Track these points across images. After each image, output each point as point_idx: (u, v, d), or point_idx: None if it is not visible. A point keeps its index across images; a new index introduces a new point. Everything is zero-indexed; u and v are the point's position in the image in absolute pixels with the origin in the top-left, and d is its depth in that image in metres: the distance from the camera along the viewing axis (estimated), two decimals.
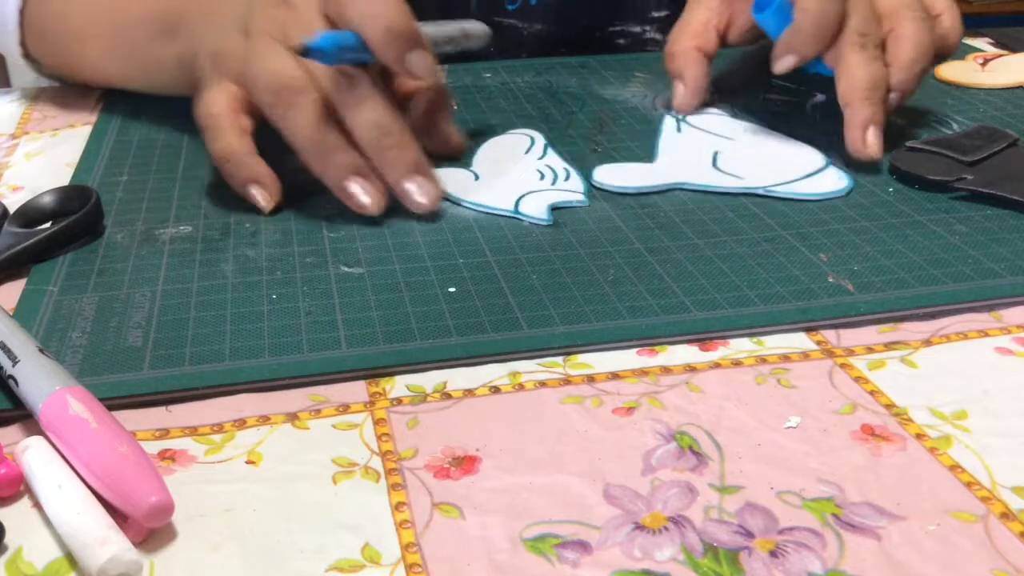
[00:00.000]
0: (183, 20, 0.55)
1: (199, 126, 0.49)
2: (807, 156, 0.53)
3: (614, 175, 0.51)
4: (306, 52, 0.44)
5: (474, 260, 0.44)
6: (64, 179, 0.53)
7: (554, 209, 0.48)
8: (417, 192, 0.47)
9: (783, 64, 0.52)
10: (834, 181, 0.50)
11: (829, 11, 0.50)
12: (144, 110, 0.61)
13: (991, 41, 0.78)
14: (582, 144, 0.57)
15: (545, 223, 0.46)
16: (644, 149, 0.56)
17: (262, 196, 0.48)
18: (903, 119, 0.60)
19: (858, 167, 0.52)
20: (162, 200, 0.50)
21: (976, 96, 0.64)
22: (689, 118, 0.58)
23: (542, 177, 0.51)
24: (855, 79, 0.51)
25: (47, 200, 0.47)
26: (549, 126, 0.60)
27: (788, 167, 0.51)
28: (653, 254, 0.44)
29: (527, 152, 0.55)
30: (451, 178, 0.50)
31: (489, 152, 0.55)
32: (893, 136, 0.57)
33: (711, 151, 0.54)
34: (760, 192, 0.49)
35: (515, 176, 0.51)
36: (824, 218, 0.47)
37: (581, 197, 0.49)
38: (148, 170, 0.54)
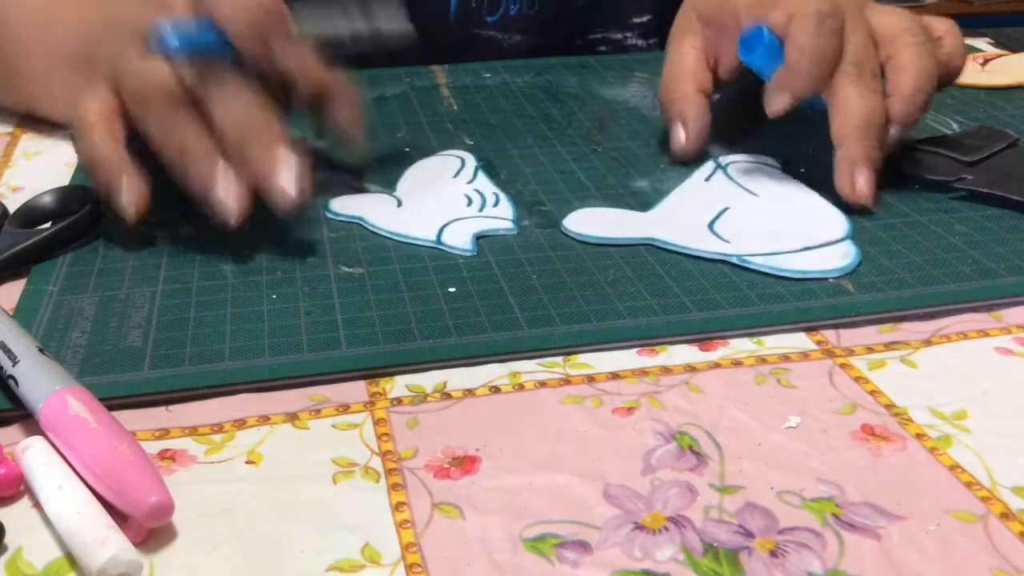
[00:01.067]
0: (94, 43, 0.51)
1: (71, 134, 0.46)
2: (829, 223, 0.46)
3: (585, 222, 0.47)
4: (157, 45, 0.43)
5: (474, 260, 0.44)
6: (64, 179, 0.53)
7: (480, 238, 0.45)
8: (285, 181, 0.43)
9: (777, 104, 0.48)
10: (836, 259, 0.43)
11: (825, 46, 0.47)
12: None
13: (991, 41, 0.78)
14: (582, 144, 0.57)
15: (469, 254, 0.44)
16: (644, 150, 0.56)
17: (126, 198, 0.44)
18: None
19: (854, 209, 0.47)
20: (162, 200, 0.50)
21: (976, 96, 0.65)
22: (731, 167, 0.52)
23: (469, 203, 0.48)
24: (849, 116, 0.47)
25: (47, 200, 0.47)
26: (549, 126, 0.60)
27: (798, 233, 0.45)
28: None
29: (456, 175, 0.52)
30: (372, 204, 0.48)
31: (415, 175, 0.52)
32: None
33: (719, 207, 0.48)
34: (734, 261, 0.43)
35: (440, 202, 0.49)
36: None
37: (509, 225, 0.46)
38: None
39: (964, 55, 0.53)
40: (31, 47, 0.58)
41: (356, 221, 0.47)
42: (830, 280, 0.41)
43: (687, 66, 0.56)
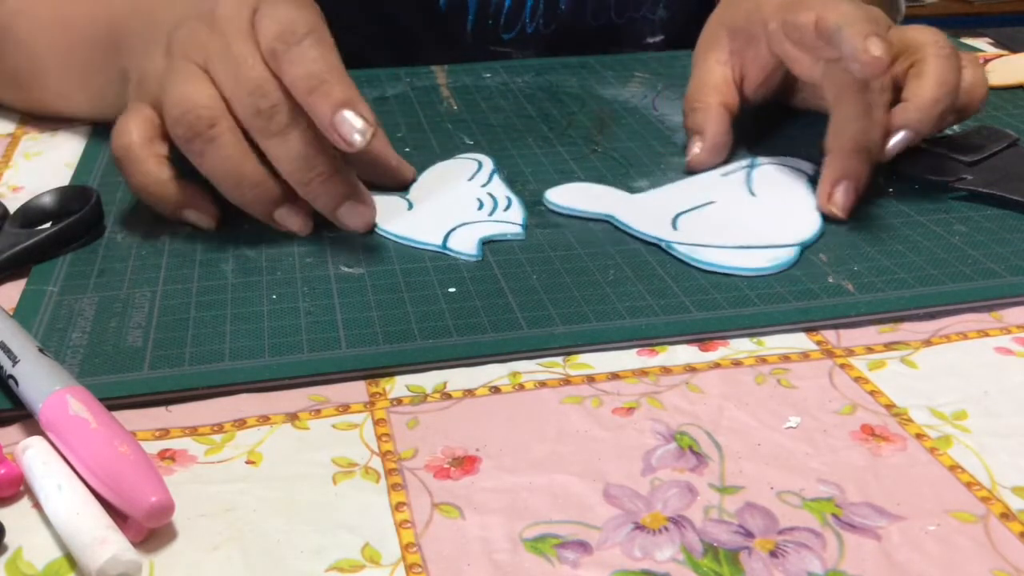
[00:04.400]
0: (125, 32, 0.52)
1: (112, 156, 0.46)
2: (794, 228, 0.46)
3: (566, 194, 0.49)
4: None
5: (474, 260, 0.44)
6: (64, 179, 0.53)
7: (487, 243, 0.45)
8: (349, 218, 0.45)
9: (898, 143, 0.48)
10: (762, 260, 0.43)
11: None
12: None
13: (991, 41, 0.78)
14: (582, 144, 0.57)
15: (474, 259, 0.43)
16: (644, 150, 0.56)
17: (199, 219, 0.46)
18: None
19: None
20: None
21: None
22: (759, 167, 0.52)
23: (480, 206, 0.48)
24: (845, 129, 0.47)
25: (47, 200, 0.47)
26: (549, 126, 0.60)
27: (750, 233, 0.45)
28: (653, 254, 0.44)
29: (471, 179, 0.52)
30: (382, 207, 0.47)
31: (430, 178, 0.52)
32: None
33: (704, 200, 0.48)
34: (661, 245, 0.44)
35: (451, 205, 0.48)
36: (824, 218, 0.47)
37: (517, 230, 0.46)
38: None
39: (985, 90, 0.51)
40: (43, 48, 0.58)
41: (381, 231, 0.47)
42: (830, 280, 0.41)
43: (712, 80, 0.55)
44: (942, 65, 0.48)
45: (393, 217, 0.47)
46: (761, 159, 0.53)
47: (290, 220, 0.46)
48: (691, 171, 0.52)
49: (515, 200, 0.49)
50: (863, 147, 0.47)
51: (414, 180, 0.51)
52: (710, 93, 0.54)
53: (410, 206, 0.49)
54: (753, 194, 0.49)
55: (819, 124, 0.49)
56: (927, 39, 0.49)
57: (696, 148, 0.53)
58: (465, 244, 0.45)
